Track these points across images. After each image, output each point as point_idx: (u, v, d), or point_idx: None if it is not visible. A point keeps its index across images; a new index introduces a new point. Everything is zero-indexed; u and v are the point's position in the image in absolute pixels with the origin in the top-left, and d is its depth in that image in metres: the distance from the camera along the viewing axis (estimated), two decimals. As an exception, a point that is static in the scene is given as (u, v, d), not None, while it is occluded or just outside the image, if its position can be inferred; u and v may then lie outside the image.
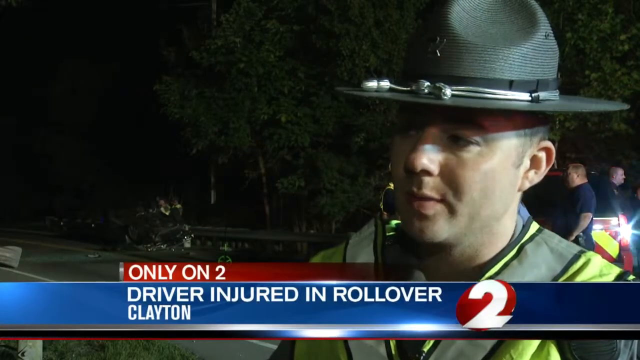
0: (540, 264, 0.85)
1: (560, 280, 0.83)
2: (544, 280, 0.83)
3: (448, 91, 0.78)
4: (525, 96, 0.81)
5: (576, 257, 0.85)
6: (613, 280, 0.83)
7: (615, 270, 0.85)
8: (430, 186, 0.81)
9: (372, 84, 0.82)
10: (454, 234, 0.84)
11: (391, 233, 0.98)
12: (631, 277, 0.84)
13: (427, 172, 0.81)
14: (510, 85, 0.80)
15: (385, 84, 0.82)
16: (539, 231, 0.90)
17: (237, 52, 18.62)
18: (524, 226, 0.90)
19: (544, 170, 0.88)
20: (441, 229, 0.83)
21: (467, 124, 0.80)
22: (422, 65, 0.81)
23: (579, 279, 0.83)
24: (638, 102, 12.61)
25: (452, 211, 0.82)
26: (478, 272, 0.86)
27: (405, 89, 0.81)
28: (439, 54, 0.80)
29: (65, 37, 27.94)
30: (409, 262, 0.91)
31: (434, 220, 0.82)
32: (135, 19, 25.66)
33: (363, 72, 15.95)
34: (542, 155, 0.88)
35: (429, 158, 0.80)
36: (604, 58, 12.87)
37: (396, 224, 1.00)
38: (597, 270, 0.84)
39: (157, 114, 20.09)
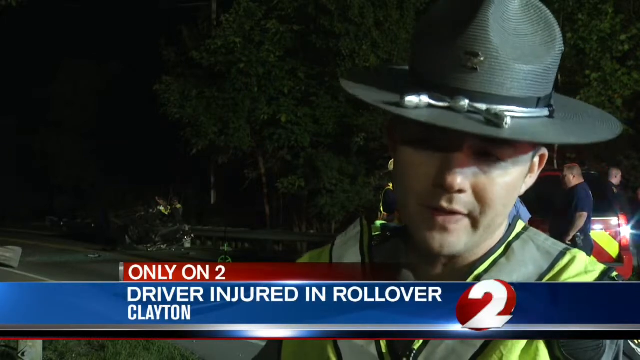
0: (528, 262, 0.86)
1: (547, 277, 0.84)
2: (531, 278, 0.84)
3: (509, 120, 0.75)
4: (545, 111, 0.81)
5: (562, 255, 0.87)
6: (598, 277, 0.84)
7: (600, 267, 0.86)
8: (462, 202, 0.81)
9: (413, 100, 0.77)
10: (469, 245, 0.84)
11: (377, 233, 0.98)
12: (615, 273, 0.85)
13: (461, 190, 0.80)
14: (538, 102, 0.80)
15: (424, 99, 0.78)
16: (524, 229, 0.91)
17: (237, 52, 18.62)
18: (510, 225, 0.91)
19: (536, 173, 0.90)
20: (461, 242, 0.83)
21: (501, 143, 0.79)
22: (459, 81, 0.78)
23: (565, 275, 0.84)
24: (638, 102, 12.62)
25: (474, 225, 0.82)
26: (467, 270, 0.86)
27: (442, 104, 0.78)
28: (478, 70, 0.77)
29: (65, 37, 27.95)
30: (398, 262, 0.91)
31: (455, 234, 0.82)
32: (135, 19, 25.67)
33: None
34: (537, 160, 0.89)
35: (464, 176, 0.79)
36: (604, 58, 12.87)
37: (381, 225, 1.00)
38: (583, 267, 0.85)
39: (157, 114, 20.09)
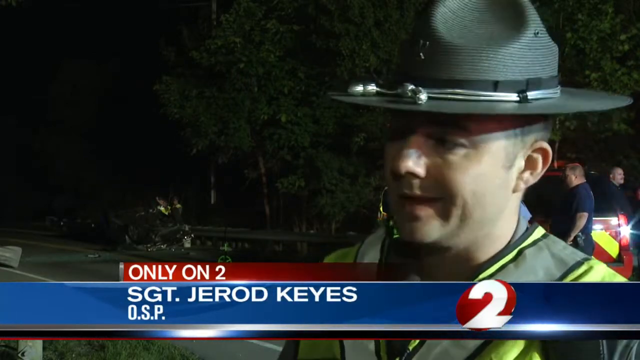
0: (538, 269, 0.84)
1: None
2: None
3: (423, 96, 0.78)
4: (513, 96, 0.80)
5: (578, 264, 0.84)
6: None
7: (619, 279, 0.83)
8: (420, 187, 0.82)
9: (358, 88, 0.82)
10: (445, 236, 0.84)
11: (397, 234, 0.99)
12: None
13: (414, 175, 0.81)
14: (496, 86, 0.79)
15: (372, 87, 0.82)
16: (544, 236, 0.89)
17: (237, 52, 18.61)
18: (527, 229, 0.89)
19: (540, 171, 0.87)
20: (431, 230, 0.83)
21: (452, 126, 0.80)
22: (407, 68, 0.82)
23: None
24: (638, 102, 12.60)
25: (444, 213, 0.82)
26: (473, 273, 0.86)
27: (391, 92, 0.81)
28: (422, 57, 0.80)
29: (65, 37, 27.92)
30: (408, 262, 0.92)
31: (425, 222, 0.83)
32: (135, 18, 25.65)
33: (363, 72, 15.95)
34: (538, 156, 0.86)
35: (414, 161, 0.81)
36: (604, 58, 12.86)
37: None
38: (599, 278, 0.83)
39: (157, 114, 20.09)
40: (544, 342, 0.80)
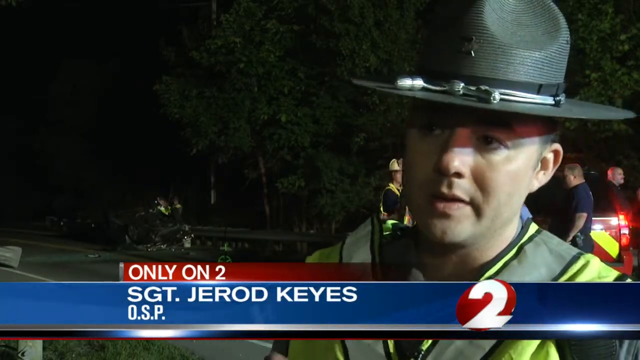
0: (540, 265, 0.85)
1: (559, 281, 0.83)
2: (543, 281, 0.83)
3: (497, 95, 0.77)
4: (550, 100, 0.81)
5: (575, 259, 0.85)
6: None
7: (614, 273, 0.85)
8: (461, 188, 0.80)
9: (406, 82, 0.80)
10: (474, 235, 0.83)
11: (387, 232, 0.97)
12: (629, 280, 0.84)
13: (459, 174, 0.80)
14: (539, 89, 0.80)
15: (419, 83, 0.80)
16: (538, 232, 0.90)
17: (237, 52, 18.62)
18: (522, 226, 0.90)
19: (551, 171, 0.89)
20: (464, 230, 0.82)
21: (500, 126, 0.80)
22: (454, 65, 0.80)
23: (578, 280, 0.83)
24: (638, 102, 12.61)
25: (478, 214, 0.82)
26: (478, 272, 0.85)
27: (438, 88, 0.80)
28: (473, 55, 0.79)
29: (65, 37, 27.93)
30: (408, 261, 0.91)
31: (458, 222, 0.82)
32: (135, 18, 25.65)
33: (363, 72, 15.94)
34: (551, 156, 0.88)
35: (461, 160, 0.80)
36: (604, 58, 12.85)
37: (393, 224, 1.00)
38: (596, 272, 0.84)
39: (157, 114, 20.09)
40: None
